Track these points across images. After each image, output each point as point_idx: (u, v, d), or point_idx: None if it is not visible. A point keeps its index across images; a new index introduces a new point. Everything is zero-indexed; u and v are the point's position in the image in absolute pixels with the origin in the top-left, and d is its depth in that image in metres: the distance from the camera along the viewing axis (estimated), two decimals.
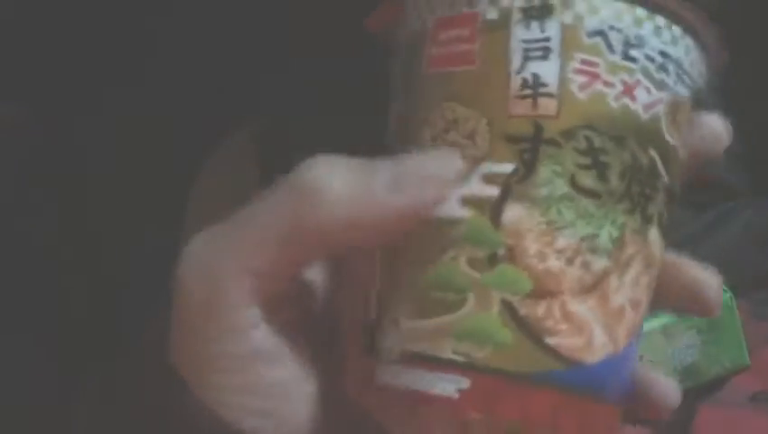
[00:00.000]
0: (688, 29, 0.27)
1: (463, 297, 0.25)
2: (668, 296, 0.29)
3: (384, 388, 0.26)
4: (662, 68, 0.27)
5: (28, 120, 0.71)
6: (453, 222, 0.25)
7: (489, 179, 0.25)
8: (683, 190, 0.29)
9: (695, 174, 0.30)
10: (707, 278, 0.30)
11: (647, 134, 0.27)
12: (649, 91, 0.26)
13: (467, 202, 0.25)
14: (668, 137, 0.27)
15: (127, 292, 0.65)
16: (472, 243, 0.25)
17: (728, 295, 0.52)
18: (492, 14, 0.26)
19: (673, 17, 0.27)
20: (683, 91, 0.27)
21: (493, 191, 0.25)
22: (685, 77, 0.27)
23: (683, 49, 0.27)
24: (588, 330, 0.26)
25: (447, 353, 0.25)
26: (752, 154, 0.65)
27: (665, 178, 0.27)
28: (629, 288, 0.27)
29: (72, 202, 0.68)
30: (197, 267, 0.26)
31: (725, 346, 0.52)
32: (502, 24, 0.26)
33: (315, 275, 0.29)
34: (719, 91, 0.30)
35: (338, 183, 0.25)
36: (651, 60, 0.27)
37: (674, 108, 0.27)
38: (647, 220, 0.27)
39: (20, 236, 0.67)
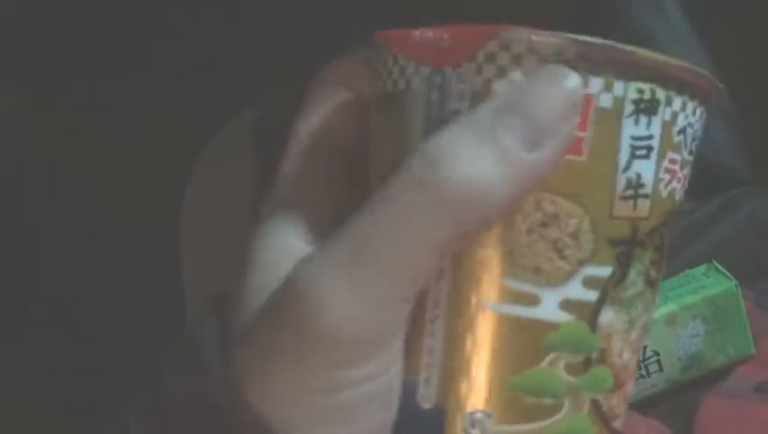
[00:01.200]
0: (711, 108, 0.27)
1: (560, 402, 0.25)
2: None
3: None
4: (697, 149, 0.27)
5: (29, 112, 0.70)
6: (551, 326, 0.24)
7: (589, 283, 0.24)
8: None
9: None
10: None
11: (679, 215, 0.27)
12: (689, 177, 0.26)
13: (567, 306, 0.24)
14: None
15: (127, 284, 0.65)
16: (570, 348, 0.25)
17: (733, 283, 0.52)
18: (606, 102, 0.24)
19: (713, 104, 0.26)
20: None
21: (592, 295, 0.25)
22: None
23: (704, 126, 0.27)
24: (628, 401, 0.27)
25: None
26: (755, 143, 0.64)
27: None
28: None
29: (72, 193, 0.68)
30: (337, 302, 0.23)
31: (730, 335, 0.52)
32: (615, 116, 0.24)
33: None
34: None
35: (467, 161, 0.23)
36: (697, 148, 0.26)
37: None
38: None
39: (19, 232, 0.67)
